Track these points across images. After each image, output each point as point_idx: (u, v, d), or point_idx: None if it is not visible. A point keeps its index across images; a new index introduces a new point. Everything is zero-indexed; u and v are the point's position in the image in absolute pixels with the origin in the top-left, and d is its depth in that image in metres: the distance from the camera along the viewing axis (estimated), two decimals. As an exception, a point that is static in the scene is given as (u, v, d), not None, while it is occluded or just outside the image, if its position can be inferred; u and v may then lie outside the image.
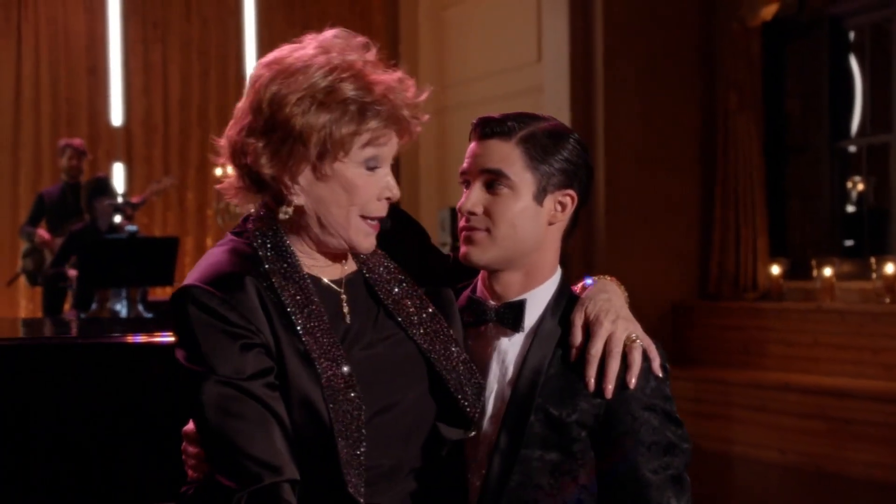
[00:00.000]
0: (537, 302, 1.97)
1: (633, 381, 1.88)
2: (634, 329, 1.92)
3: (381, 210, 1.89)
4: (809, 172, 8.93)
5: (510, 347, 1.96)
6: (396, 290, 1.96)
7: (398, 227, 2.05)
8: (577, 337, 1.91)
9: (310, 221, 1.87)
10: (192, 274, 1.85)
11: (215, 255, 1.88)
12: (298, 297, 1.84)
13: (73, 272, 7.86)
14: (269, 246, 1.88)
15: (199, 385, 1.76)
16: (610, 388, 1.87)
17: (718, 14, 8.95)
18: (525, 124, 1.95)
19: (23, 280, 9.21)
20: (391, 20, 11.63)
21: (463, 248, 1.97)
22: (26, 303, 10.22)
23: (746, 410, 7.75)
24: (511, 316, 1.95)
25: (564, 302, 1.99)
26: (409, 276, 2.00)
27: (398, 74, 1.88)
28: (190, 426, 2.01)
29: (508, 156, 1.93)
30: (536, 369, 1.91)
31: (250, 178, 1.87)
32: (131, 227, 7.63)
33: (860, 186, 8.68)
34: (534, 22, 9.77)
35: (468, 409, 1.90)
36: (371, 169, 1.85)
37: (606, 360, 1.88)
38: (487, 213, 1.94)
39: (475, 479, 1.94)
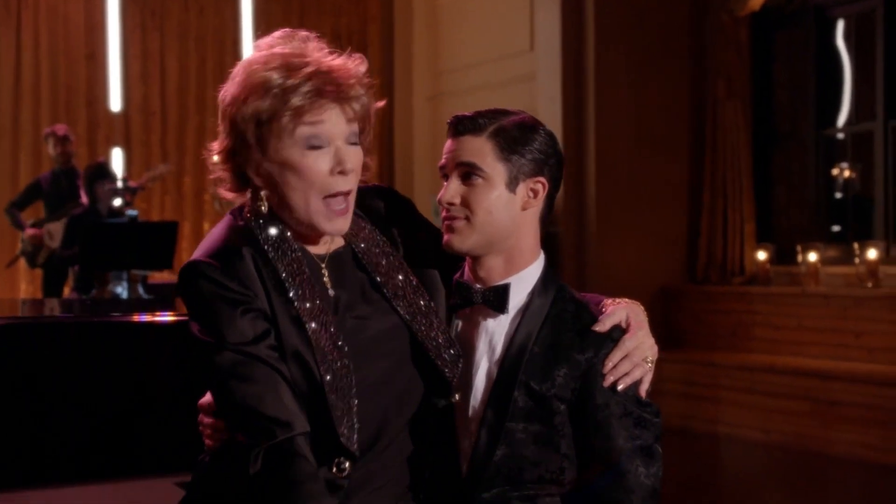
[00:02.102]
0: (523, 284, 2.12)
1: (622, 386, 2.06)
2: (654, 353, 2.10)
3: (341, 185, 1.97)
4: (796, 160, 9.10)
5: (497, 328, 2.11)
6: (384, 262, 2.10)
7: (387, 205, 2.19)
8: (605, 326, 2.08)
9: (280, 208, 2.02)
10: (197, 251, 1.99)
11: (215, 232, 2.03)
12: (292, 267, 1.99)
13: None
14: (261, 223, 2.02)
15: (211, 354, 1.92)
16: (622, 387, 2.05)
17: (708, 4, 9.09)
18: (494, 120, 2.10)
19: (22, 262, 9.33)
20: (386, 8, 11.74)
21: (445, 237, 2.11)
22: (26, 285, 10.34)
23: (733, 392, 7.91)
24: (496, 298, 2.09)
25: (554, 288, 2.13)
26: (395, 250, 2.14)
27: (338, 56, 2.00)
28: (205, 399, 2.17)
29: (480, 149, 2.08)
30: (522, 347, 2.07)
31: (236, 176, 2.04)
32: (132, 212, 7.77)
33: (846, 173, 8.84)
34: (526, 11, 9.90)
35: (447, 374, 2.04)
36: (314, 148, 1.95)
37: (623, 363, 2.06)
38: (465, 202, 2.08)
39: (465, 449, 2.09)
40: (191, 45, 11.04)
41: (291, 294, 1.97)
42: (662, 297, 9.13)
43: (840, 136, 8.85)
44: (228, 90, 1.99)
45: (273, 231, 2.01)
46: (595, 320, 2.09)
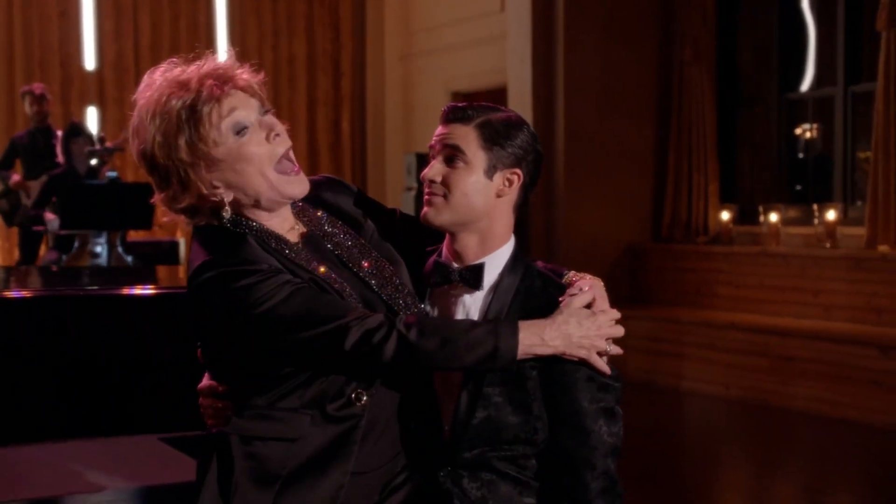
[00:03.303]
0: (495, 264, 2.33)
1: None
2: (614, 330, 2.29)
3: (281, 145, 2.18)
4: (759, 122, 9.33)
5: (473, 303, 2.32)
6: (348, 243, 2.32)
7: (337, 194, 2.40)
8: (583, 300, 2.26)
9: (245, 202, 2.20)
10: (198, 257, 2.15)
11: (204, 240, 2.20)
12: (284, 246, 2.20)
13: (50, 216, 8.12)
14: (233, 224, 2.21)
15: (265, 315, 2.07)
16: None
17: (675, -32, 9.27)
18: (483, 113, 2.32)
19: None
20: (358, -33, 11.84)
21: (424, 210, 2.32)
22: (2, 242, 10.44)
23: (696, 348, 8.18)
24: (472, 276, 2.30)
25: (522, 266, 2.35)
26: (354, 231, 2.35)
27: (206, 58, 2.20)
28: (203, 383, 2.36)
29: (466, 136, 2.30)
30: (496, 317, 2.27)
31: (189, 213, 2.21)
32: (111, 174, 7.88)
33: (808, 135, 9.06)
34: (498, -29, 10.04)
35: None
36: (243, 134, 2.15)
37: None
38: (445, 182, 2.29)
39: (447, 412, 2.30)
40: (164, 1, 11.09)
41: (302, 262, 2.17)
42: (628, 255, 9.37)
43: (803, 99, 9.06)
44: (140, 143, 2.18)
45: (249, 228, 2.20)
46: (561, 291, 2.29)
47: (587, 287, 2.27)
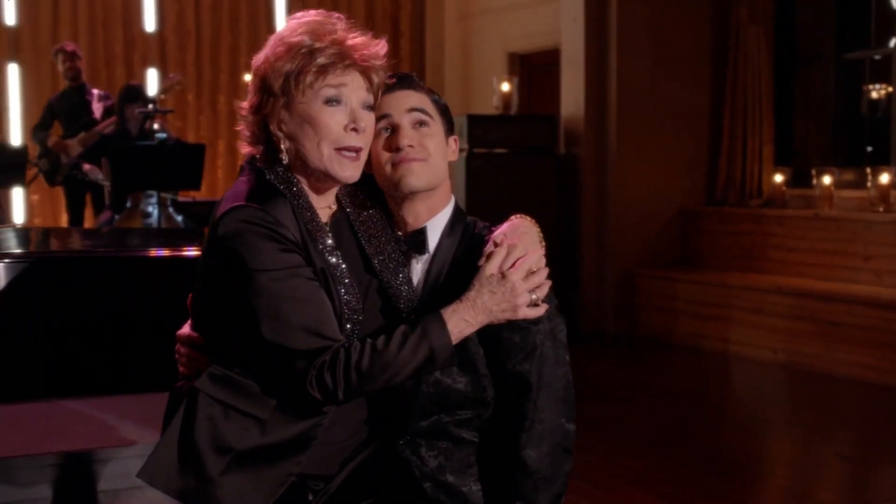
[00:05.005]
0: (436, 227, 2.37)
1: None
2: (539, 263, 2.26)
3: (353, 140, 2.22)
4: (816, 83, 9.16)
5: (418, 266, 2.37)
6: (370, 223, 2.36)
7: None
8: (488, 249, 2.26)
9: (296, 162, 2.24)
10: (233, 199, 2.18)
11: (247, 181, 2.24)
12: (313, 224, 2.24)
13: (87, 166, 8.28)
14: (280, 173, 2.25)
15: (261, 284, 2.12)
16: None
17: (732, -75, 9.11)
18: (422, 83, 2.39)
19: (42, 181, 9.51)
20: (418, -73, 11.82)
21: (399, 175, 2.31)
22: (51, 203, 10.65)
23: (744, 312, 8.12)
24: (417, 242, 2.35)
25: (461, 227, 2.38)
26: (384, 217, 2.38)
27: (365, 36, 2.25)
28: (183, 330, 2.40)
29: (425, 100, 2.36)
30: (436, 280, 2.33)
31: (252, 135, 2.27)
32: (161, 135, 8.01)
33: (868, 97, 8.86)
34: (554, -69, 9.95)
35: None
36: (332, 105, 2.20)
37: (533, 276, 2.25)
38: (422, 145, 2.32)
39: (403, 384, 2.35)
40: (224, -37, 11.18)
41: (319, 246, 2.22)
42: (681, 218, 9.30)
43: (861, 60, 8.87)
44: (262, 54, 2.26)
45: (293, 191, 2.24)
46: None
47: (500, 238, 2.25)
